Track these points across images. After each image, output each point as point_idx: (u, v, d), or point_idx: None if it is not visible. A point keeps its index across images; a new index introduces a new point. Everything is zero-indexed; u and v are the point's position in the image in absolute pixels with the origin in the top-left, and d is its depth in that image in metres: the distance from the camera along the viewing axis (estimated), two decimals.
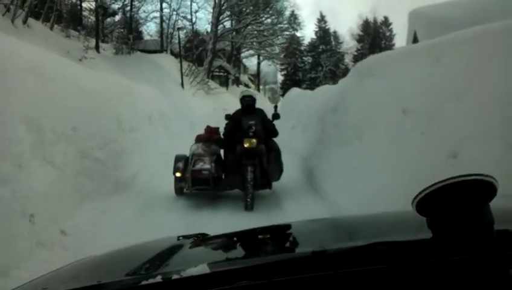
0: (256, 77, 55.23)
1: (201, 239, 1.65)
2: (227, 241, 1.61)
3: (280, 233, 1.68)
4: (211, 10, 36.95)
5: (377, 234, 1.44)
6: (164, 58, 27.12)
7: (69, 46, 19.00)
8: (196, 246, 1.58)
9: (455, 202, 0.86)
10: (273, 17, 43.19)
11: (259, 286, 0.89)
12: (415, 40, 12.01)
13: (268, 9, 41.95)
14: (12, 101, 4.30)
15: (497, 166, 2.83)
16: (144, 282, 0.98)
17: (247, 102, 6.85)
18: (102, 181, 6.08)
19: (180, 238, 1.67)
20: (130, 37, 27.63)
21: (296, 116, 11.65)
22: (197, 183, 6.39)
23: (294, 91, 16.71)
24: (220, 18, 37.15)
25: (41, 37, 17.38)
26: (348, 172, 5.46)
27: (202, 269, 1.02)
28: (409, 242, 1.02)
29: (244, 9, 39.88)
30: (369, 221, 1.72)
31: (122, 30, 30.50)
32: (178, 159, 6.78)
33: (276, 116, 7.27)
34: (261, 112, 6.88)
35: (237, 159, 6.44)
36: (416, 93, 4.29)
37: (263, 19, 42.04)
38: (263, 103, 26.90)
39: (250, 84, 52.12)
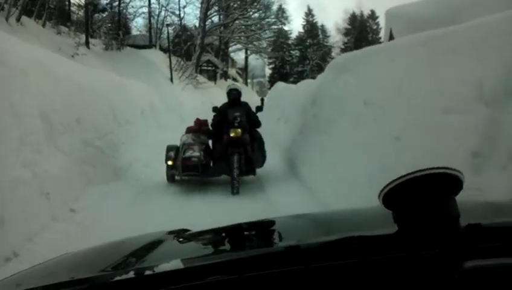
0: (244, 71, 55.48)
1: (180, 235, 1.66)
2: (206, 237, 1.63)
3: (256, 229, 1.70)
4: (199, 5, 37.44)
5: (349, 229, 1.45)
6: (154, 54, 27.58)
7: (60, 43, 19.46)
8: (175, 242, 1.58)
9: (420, 196, 0.87)
10: (261, 11, 43.44)
11: (231, 281, 0.91)
12: (391, 38, 12.68)
13: (255, 3, 42.20)
14: (27, 96, 4.96)
15: (428, 149, 3.59)
16: (118, 278, 1.00)
17: (234, 95, 7.31)
18: (103, 168, 6.73)
19: (166, 233, 1.70)
20: (119, 33, 28.00)
21: (281, 109, 12.31)
22: (187, 169, 6.89)
23: (280, 85, 17.37)
24: (208, 13, 37.52)
25: (34, 34, 17.83)
26: (321, 157, 6.19)
27: (175, 264, 1.03)
28: (378, 236, 1.04)
29: (231, 4, 40.14)
30: (343, 216, 1.76)
31: (110, 25, 30.85)
32: (169, 148, 7.24)
33: (259, 108, 7.80)
34: (245, 105, 7.35)
35: (224, 148, 6.91)
36: (375, 88, 5.02)
37: (250, 13, 42.29)
38: (251, 97, 27.48)
39: (238, 77, 52.22)
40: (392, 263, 0.90)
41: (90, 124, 6.98)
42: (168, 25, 30.39)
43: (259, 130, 7.49)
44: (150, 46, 31.63)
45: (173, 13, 37.93)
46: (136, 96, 11.77)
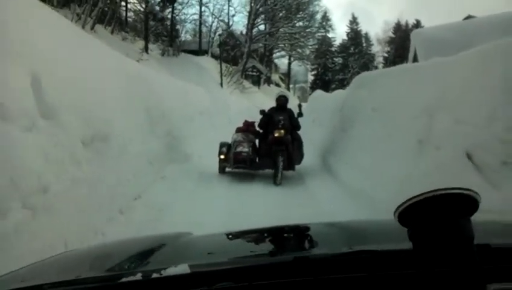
0: (287, 76, 56.81)
1: (185, 238, 1.67)
2: (212, 241, 1.64)
3: (263, 237, 1.70)
4: (247, 14, 39.61)
5: (360, 241, 1.48)
6: (206, 60, 30.20)
7: (126, 49, 22.03)
8: (179, 245, 1.58)
9: (436, 215, 0.87)
10: (305, 20, 44.88)
11: (240, 288, 0.91)
12: (415, 57, 14.49)
13: (301, 12, 43.55)
14: (137, 96, 7.27)
15: (402, 142, 5.59)
16: (124, 279, 1.00)
17: (282, 101, 8.50)
18: (178, 152, 8.97)
19: (170, 236, 1.72)
20: (176, 40, 30.63)
21: (317, 113, 14.36)
22: (237, 162, 8.07)
23: (317, 93, 19.37)
24: (255, 22, 39.68)
25: (105, 40, 20.40)
26: (342, 150, 8.26)
27: (182, 269, 1.01)
28: (391, 252, 1.04)
29: (277, 13, 41.58)
30: (354, 228, 1.77)
31: (160, 30, 33.33)
32: (222, 145, 8.45)
33: (300, 114, 8.79)
34: (290, 111, 8.46)
35: (269, 146, 7.94)
36: (380, 98, 7.08)
37: (295, 22, 43.82)
38: (292, 101, 29.44)
39: (281, 83, 53.54)
40: (406, 280, 0.90)
41: (169, 118, 9.26)
42: (220, 35, 32.86)
43: (299, 132, 8.65)
44: (201, 52, 34.18)
45: (222, 21, 40.33)
46: (196, 99, 14.16)
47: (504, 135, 3.66)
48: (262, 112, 8.66)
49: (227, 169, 8.49)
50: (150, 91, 8.69)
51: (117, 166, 5.26)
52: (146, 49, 26.94)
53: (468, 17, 20.37)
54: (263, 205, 6.41)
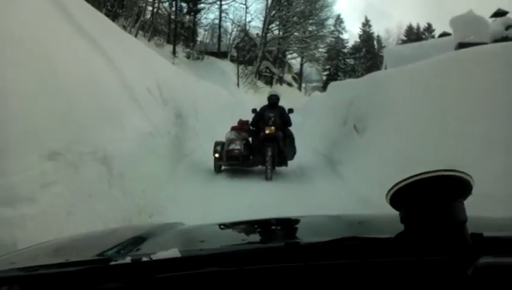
0: (299, 76, 59.82)
1: (177, 228, 1.71)
2: (204, 231, 1.68)
3: (256, 227, 1.73)
4: (262, 19, 43.10)
5: (355, 231, 1.49)
6: (225, 64, 34.99)
7: (160, 53, 26.55)
8: (172, 233, 1.62)
9: (428, 197, 0.87)
10: (316, 25, 47.84)
11: (230, 272, 0.91)
12: (386, 69, 18.71)
13: (311, 17, 46.46)
14: (189, 95, 11.90)
15: (339, 124, 10.15)
16: (113, 262, 1.02)
17: (273, 100, 8.79)
18: (209, 133, 13.49)
19: (162, 225, 1.77)
20: (198, 43, 35.20)
21: (311, 110, 18.89)
22: (230, 159, 8.28)
23: (314, 94, 24.17)
24: (269, 28, 43.32)
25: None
26: (319, 130, 12.83)
27: (172, 253, 1.02)
28: (383, 239, 1.02)
29: (290, 18, 44.90)
30: (349, 220, 1.82)
31: (183, 32, 37.41)
32: (217, 144, 8.63)
33: (290, 110, 9.22)
34: (281, 108, 8.82)
35: (260, 143, 8.11)
36: (340, 99, 11.53)
37: (307, 27, 47.31)
38: (301, 100, 33.61)
39: (293, 82, 56.34)
40: (396, 264, 0.89)
41: (209, 110, 13.85)
42: (238, 43, 37.44)
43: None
44: (221, 55, 38.69)
45: (240, 26, 43.94)
46: (220, 97, 18.88)
47: (357, 115, 8.24)
48: (254, 110, 9.12)
49: (222, 167, 8.75)
50: (194, 92, 13.32)
51: (184, 132, 9.88)
52: (174, 53, 31.55)
53: (443, 34, 24.28)
54: None
